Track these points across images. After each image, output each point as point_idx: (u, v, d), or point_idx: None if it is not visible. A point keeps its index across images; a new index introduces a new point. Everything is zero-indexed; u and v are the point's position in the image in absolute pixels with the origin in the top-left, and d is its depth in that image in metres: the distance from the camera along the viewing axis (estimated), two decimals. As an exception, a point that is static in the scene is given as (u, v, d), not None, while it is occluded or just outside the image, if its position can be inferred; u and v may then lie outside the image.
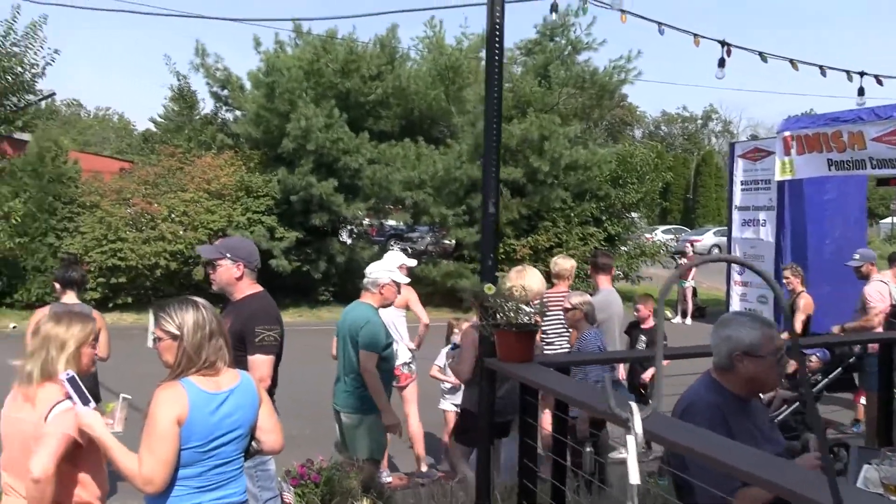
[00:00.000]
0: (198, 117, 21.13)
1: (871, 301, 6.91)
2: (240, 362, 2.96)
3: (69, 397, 2.65)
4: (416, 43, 17.82)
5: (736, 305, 15.22)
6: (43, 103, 20.47)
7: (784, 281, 7.90)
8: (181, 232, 15.26)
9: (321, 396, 8.18)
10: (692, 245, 17.98)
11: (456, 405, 5.97)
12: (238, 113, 18.88)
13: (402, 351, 6.03)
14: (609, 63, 16.66)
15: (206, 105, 21.37)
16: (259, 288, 3.83)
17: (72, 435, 2.67)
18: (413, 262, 6.35)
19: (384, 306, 4.70)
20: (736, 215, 15.41)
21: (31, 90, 16.41)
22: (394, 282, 4.58)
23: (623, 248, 18.21)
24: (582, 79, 16.34)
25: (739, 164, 15.27)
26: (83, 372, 2.93)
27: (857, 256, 7.69)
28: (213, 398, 2.52)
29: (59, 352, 2.84)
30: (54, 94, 18.60)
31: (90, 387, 4.96)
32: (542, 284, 5.31)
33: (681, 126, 67.68)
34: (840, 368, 6.32)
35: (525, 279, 5.48)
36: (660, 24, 3.88)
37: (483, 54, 18.31)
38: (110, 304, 15.13)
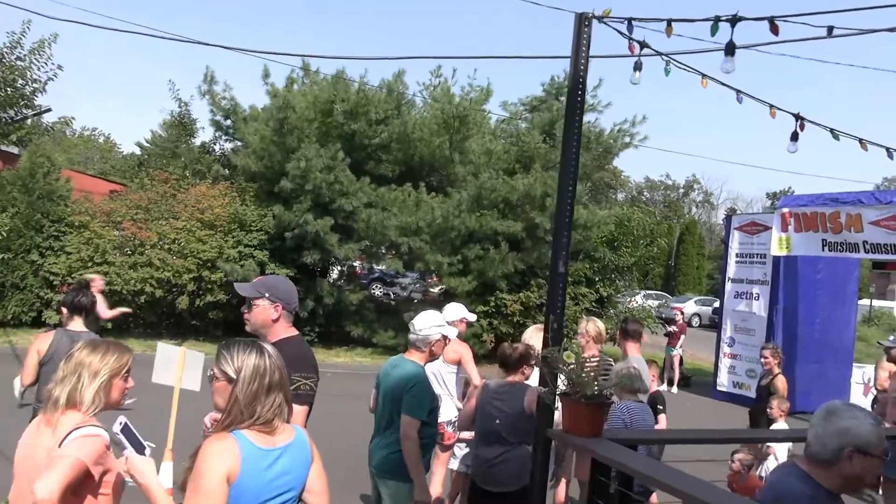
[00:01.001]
0: (193, 145, 20.94)
1: None
2: None
3: (121, 445, 2.42)
4: (421, 89, 17.87)
5: (724, 377, 15.13)
6: (42, 119, 20.20)
7: (762, 360, 7.77)
8: (170, 260, 14.94)
9: (323, 442, 7.93)
10: (681, 312, 17.89)
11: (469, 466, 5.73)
12: (238, 144, 18.73)
13: (449, 407, 5.75)
14: (614, 126, 16.83)
15: (205, 133, 21.24)
16: (295, 332, 3.60)
17: (85, 463, 2.41)
18: (473, 317, 6.10)
19: (429, 362, 4.46)
20: (729, 286, 15.42)
21: (29, 104, 16.16)
22: (444, 337, 4.34)
23: (613, 310, 18.11)
24: (587, 139, 16.42)
25: (735, 237, 15.34)
26: (112, 406, 2.70)
27: (892, 338, 7.59)
28: (266, 455, 2.28)
29: (90, 380, 2.61)
30: (50, 109, 18.30)
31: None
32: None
33: (663, 193, 68.69)
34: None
35: (537, 339, 5.34)
36: (738, 91, 3.80)
37: (489, 106, 18.52)
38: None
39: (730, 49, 3.14)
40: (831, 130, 4.18)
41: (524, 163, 16.62)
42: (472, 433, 5.02)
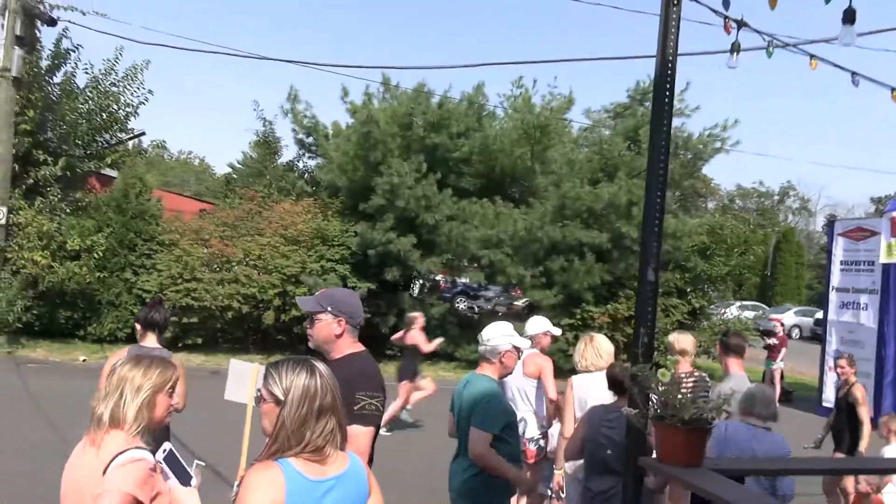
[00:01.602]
0: (278, 163, 21.36)
1: None
2: None
3: (163, 474, 2.24)
4: (502, 101, 17.62)
5: (830, 392, 14.14)
6: (132, 143, 21.00)
7: (839, 370, 7.14)
8: (255, 275, 15.15)
9: (393, 465, 7.75)
10: (781, 324, 16.91)
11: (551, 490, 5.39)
12: (320, 160, 18.95)
13: (532, 423, 5.49)
14: (704, 130, 16.12)
15: (289, 152, 21.64)
16: (361, 347, 3.38)
17: (132, 494, 2.23)
18: (558, 331, 5.84)
19: (504, 376, 4.18)
20: (834, 296, 14.46)
21: (123, 128, 16.78)
22: (514, 348, 4.07)
23: (706, 322, 17.30)
24: (675, 144, 15.77)
25: (839, 243, 14.39)
26: (156, 424, 2.52)
27: None
28: (315, 487, 2.04)
29: (133, 397, 2.44)
30: (144, 133, 19.03)
31: (161, 438, 4.62)
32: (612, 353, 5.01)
33: (756, 200, 66.06)
34: None
35: (596, 348, 4.97)
36: (854, 73, 3.38)
37: (571, 115, 18.10)
38: (179, 344, 15.04)
39: (849, 17, 2.71)
40: (893, 89, 3.66)
41: (608, 171, 16.12)
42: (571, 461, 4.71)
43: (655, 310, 2.72)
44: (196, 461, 2.72)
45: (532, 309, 17.02)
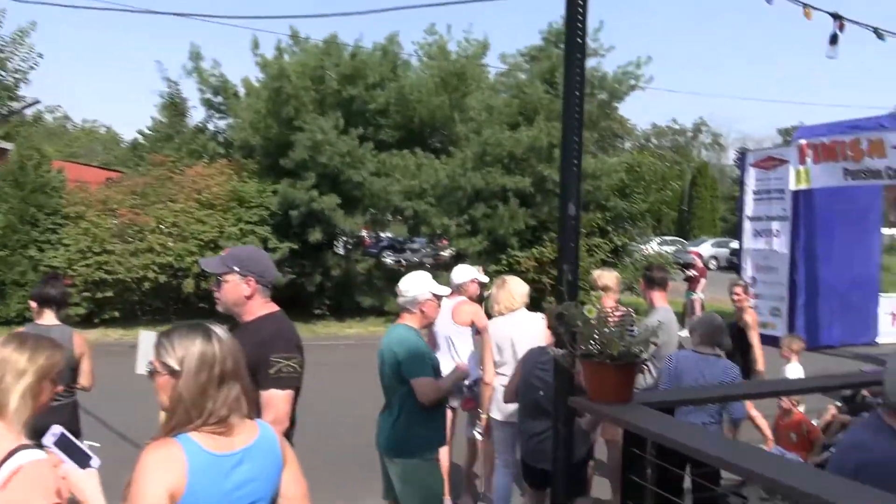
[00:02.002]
0: (188, 126, 20.46)
1: None
2: None
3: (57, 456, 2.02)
4: (416, 49, 17.22)
5: (748, 319, 14.68)
6: (27, 112, 19.72)
7: (735, 297, 7.37)
8: (170, 243, 14.57)
9: (327, 423, 7.62)
10: (699, 256, 17.38)
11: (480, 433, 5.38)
12: (231, 121, 18.23)
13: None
14: (618, 69, 16.16)
15: (198, 113, 20.75)
16: (274, 307, 3.19)
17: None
18: (485, 278, 5.74)
19: (426, 325, 4.08)
20: (747, 225, 14.90)
21: (13, 97, 15.69)
22: (434, 296, 3.96)
23: (629, 259, 17.65)
24: (591, 84, 15.79)
25: (752, 173, 14.78)
26: (38, 410, 2.26)
27: None
28: (221, 462, 1.85)
29: (14, 381, 2.17)
30: (38, 101, 17.86)
31: (68, 420, 4.33)
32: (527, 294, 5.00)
33: (671, 138, 67.62)
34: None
35: (509, 291, 4.93)
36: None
37: (487, 60, 17.86)
38: (96, 320, 14.42)
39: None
40: (875, 30, 3.67)
41: (527, 115, 16.05)
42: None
43: (578, 246, 2.62)
44: (89, 443, 2.50)
45: (459, 258, 17.01)
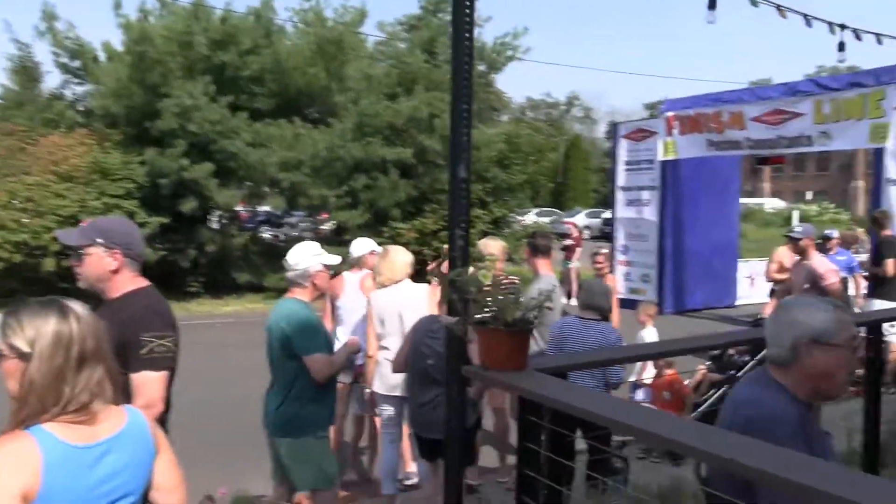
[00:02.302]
0: (41, 92, 18.92)
1: (827, 277, 6.73)
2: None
3: None
4: (292, 15, 16.63)
5: (621, 284, 15.21)
6: None
7: (597, 265, 7.84)
8: (25, 220, 13.47)
9: (205, 404, 7.28)
10: (575, 226, 17.91)
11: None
12: (91, 87, 16.99)
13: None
14: (496, 39, 16.27)
15: (53, 79, 19.19)
16: (144, 282, 2.92)
17: None
18: (379, 249, 5.59)
19: (316, 298, 3.90)
20: (620, 195, 15.37)
21: None
22: (325, 266, 3.78)
23: (508, 230, 17.95)
24: (469, 55, 15.79)
25: (623, 145, 15.24)
26: None
27: (799, 229, 7.54)
28: (83, 454, 1.64)
29: None
30: None
31: None
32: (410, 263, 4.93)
33: (545, 112, 69.36)
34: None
35: (390, 262, 4.86)
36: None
37: (365, 29, 17.52)
38: (-59, 304, 13.20)
39: None
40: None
41: (407, 85, 15.89)
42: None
43: (469, 210, 2.54)
44: None
45: (339, 231, 16.74)
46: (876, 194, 11.06)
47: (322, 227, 20.76)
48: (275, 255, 17.34)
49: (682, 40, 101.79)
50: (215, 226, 17.26)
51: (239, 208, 19.06)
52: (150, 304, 2.81)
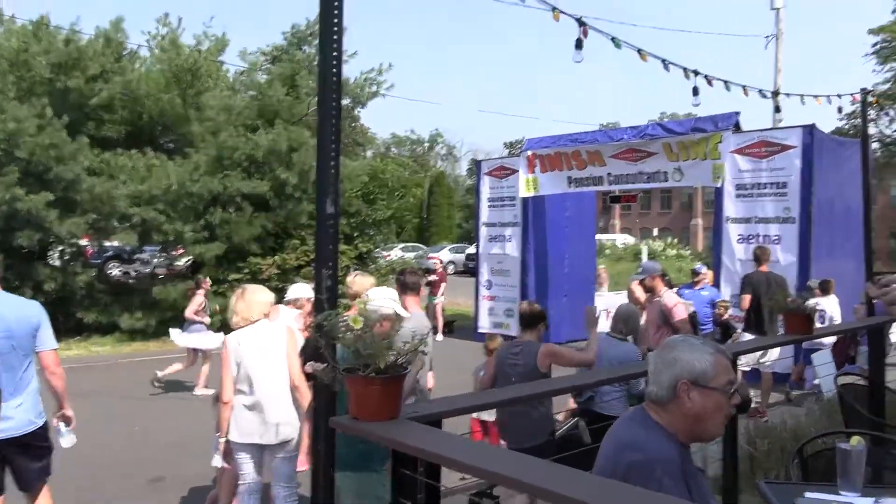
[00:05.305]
0: None
1: (676, 314, 6.92)
2: None
3: None
4: (147, 40, 15.81)
5: (485, 319, 15.47)
6: None
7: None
8: None
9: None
10: (440, 261, 18.05)
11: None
12: None
13: None
14: (360, 74, 16.21)
15: None
16: None
17: None
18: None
19: None
20: (483, 231, 15.68)
21: None
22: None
23: (373, 266, 17.79)
24: (333, 89, 15.63)
25: (486, 182, 15.58)
26: None
27: (639, 270, 7.79)
28: None
29: None
30: None
31: None
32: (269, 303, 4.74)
33: (409, 148, 70.23)
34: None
35: (248, 301, 4.62)
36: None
37: (226, 57, 16.96)
38: None
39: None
40: (613, 39, 3.91)
41: (268, 117, 15.47)
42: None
43: (337, 247, 2.38)
44: None
45: (196, 266, 15.93)
46: (716, 231, 11.90)
47: (177, 262, 19.70)
48: (126, 293, 16.21)
49: (539, 82, 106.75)
50: (56, 262, 15.93)
51: (84, 243, 17.76)
52: None
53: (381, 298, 3.92)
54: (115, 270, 22.60)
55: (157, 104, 14.82)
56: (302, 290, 6.20)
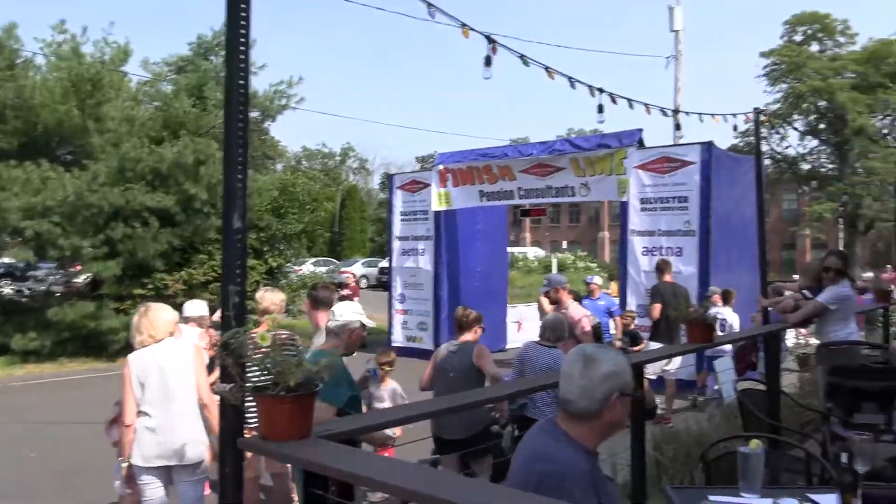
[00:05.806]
0: None
1: (581, 325, 7.06)
2: None
3: None
4: (41, 48, 15.05)
5: (398, 333, 15.42)
6: None
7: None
8: None
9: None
10: (353, 275, 17.92)
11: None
12: None
13: None
14: (269, 87, 15.92)
15: None
16: None
17: None
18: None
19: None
20: (396, 245, 15.65)
21: None
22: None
23: (284, 281, 17.47)
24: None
25: (398, 196, 15.58)
26: None
27: (545, 283, 7.93)
28: None
29: None
30: None
31: None
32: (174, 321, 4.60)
33: (321, 161, 69.58)
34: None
35: (151, 319, 4.46)
36: (430, 5, 3.31)
37: (128, 67, 16.34)
38: None
39: None
40: (521, 56, 3.98)
41: (173, 129, 14.99)
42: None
43: (246, 263, 2.31)
44: None
45: (96, 284, 15.25)
46: (622, 243, 12.27)
47: (75, 280, 18.80)
48: (19, 312, 15.32)
49: (450, 97, 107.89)
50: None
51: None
52: None
53: (348, 312, 4.10)
54: (7, 289, 21.38)
55: (54, 114, 14.12)
56: (201, 308, 6.27)
